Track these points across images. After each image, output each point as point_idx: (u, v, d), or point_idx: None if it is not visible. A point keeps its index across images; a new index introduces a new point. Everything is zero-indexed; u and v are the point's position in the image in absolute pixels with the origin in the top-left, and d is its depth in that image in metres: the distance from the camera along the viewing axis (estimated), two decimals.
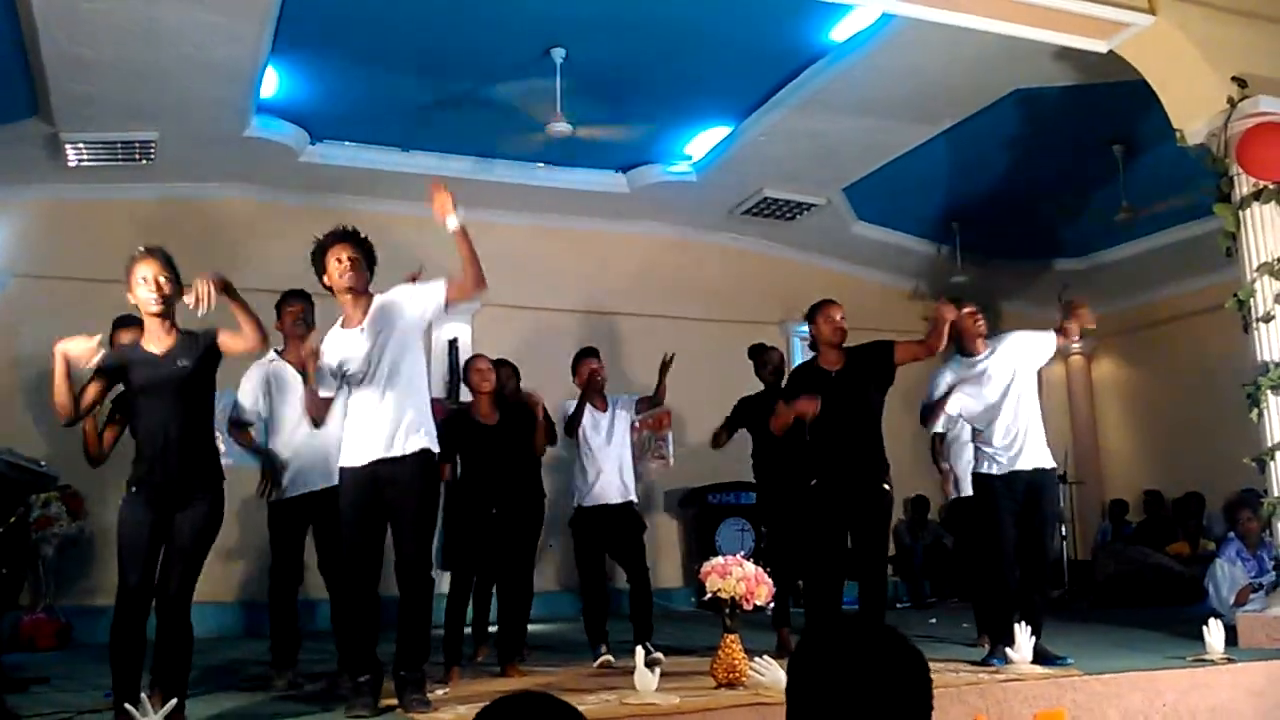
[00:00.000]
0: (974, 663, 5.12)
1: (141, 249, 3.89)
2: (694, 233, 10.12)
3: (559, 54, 6.96)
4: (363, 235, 4.31)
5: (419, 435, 4.13)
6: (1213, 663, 4.89)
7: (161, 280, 3.82)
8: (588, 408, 5.91)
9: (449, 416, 5.48)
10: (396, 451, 4.09)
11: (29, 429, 7.76)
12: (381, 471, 4.07)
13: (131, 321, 4.39)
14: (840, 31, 6.85)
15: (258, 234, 8.69)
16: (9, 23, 5.94)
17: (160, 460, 3.79)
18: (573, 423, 5.92)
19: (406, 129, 8.27)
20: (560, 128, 7.15)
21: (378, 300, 4.27)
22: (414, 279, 4.46)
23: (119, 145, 7.59)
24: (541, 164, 8.87)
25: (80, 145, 7.49)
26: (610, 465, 5.87)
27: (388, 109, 7.89)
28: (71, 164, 7.70)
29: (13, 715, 1.54)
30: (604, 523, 5.82)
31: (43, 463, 5.03)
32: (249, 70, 6.75)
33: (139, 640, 3.73)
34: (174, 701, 3.41)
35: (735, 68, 7.33)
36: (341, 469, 4.19)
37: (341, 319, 4.33)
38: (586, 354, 6.12)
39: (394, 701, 4.10)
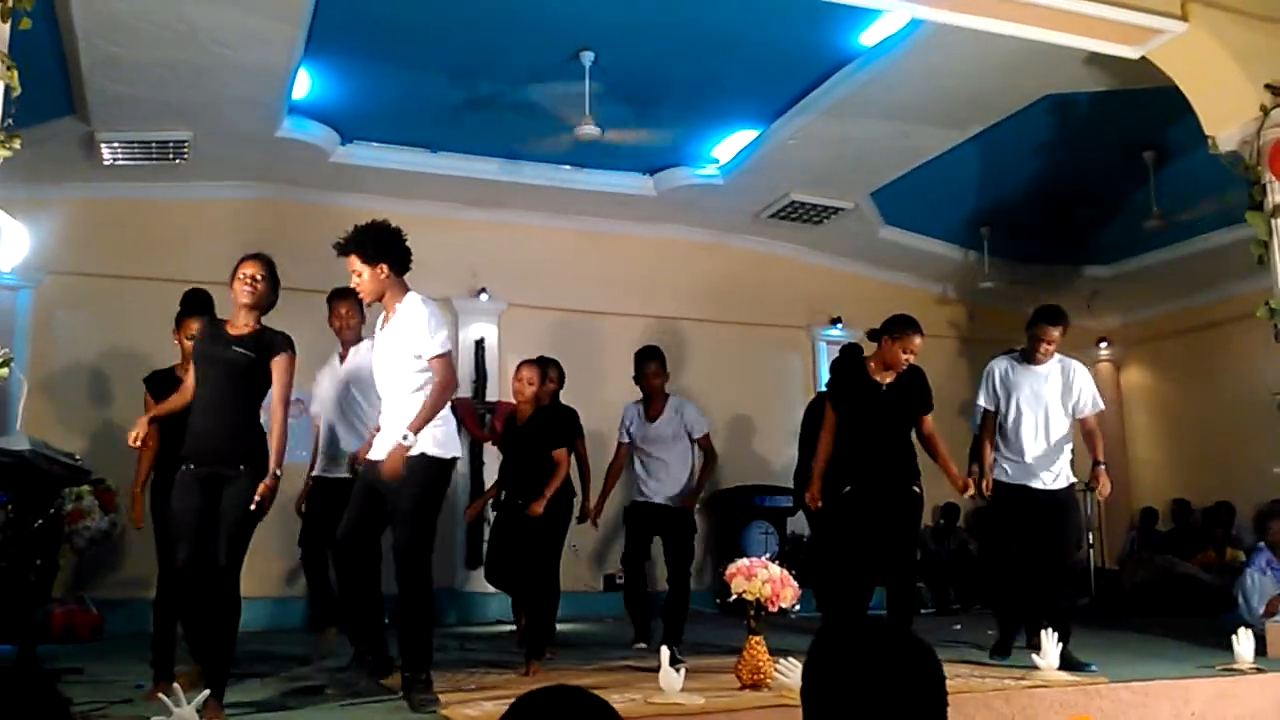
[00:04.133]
0: (987, 663, 5.21)
1: (252, 253, 4.35)
2: (720, 236, 10.13)
3: (588, 57, 6.99)
4: (350, 239, 4.38)
5: (418, 440, 4.16)
6: (1241, 672, 4.86)
7: (258, 278, 4.21)
8: (639, 417, 6.15)
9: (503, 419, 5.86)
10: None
11: (63, 422, 7.88)
12: (373, 469, 4.25)
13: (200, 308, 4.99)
14: (870, 36, 6.84)
15: (288, 233, 8.76)
16: (47, 22, 6.02)
17: (210, 434, 4.04)
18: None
19: (436, 130, 8.32)
20: (588, 130, 7.18)
21: (401, 311, 4.36)
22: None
23: (153, 144, 7.69)
24: (569, 166, 8.90)
25: (115, 144, 7.59)
26: (667, 470, 6.04)
27: (417, 110, 7.95)
28: (106, 162, 7.81)
29: (65, 700, 1.57)
30: (655, 519, 5.95)
31: (77, 456, 5.10)
32: (282, 71, 6.82)
33: (189, 617, 4.03)
34: (206, 692, 3.46)
35: (763, 71, 7.33)
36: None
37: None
38: (649, 355, 6.25)
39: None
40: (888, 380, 5.42)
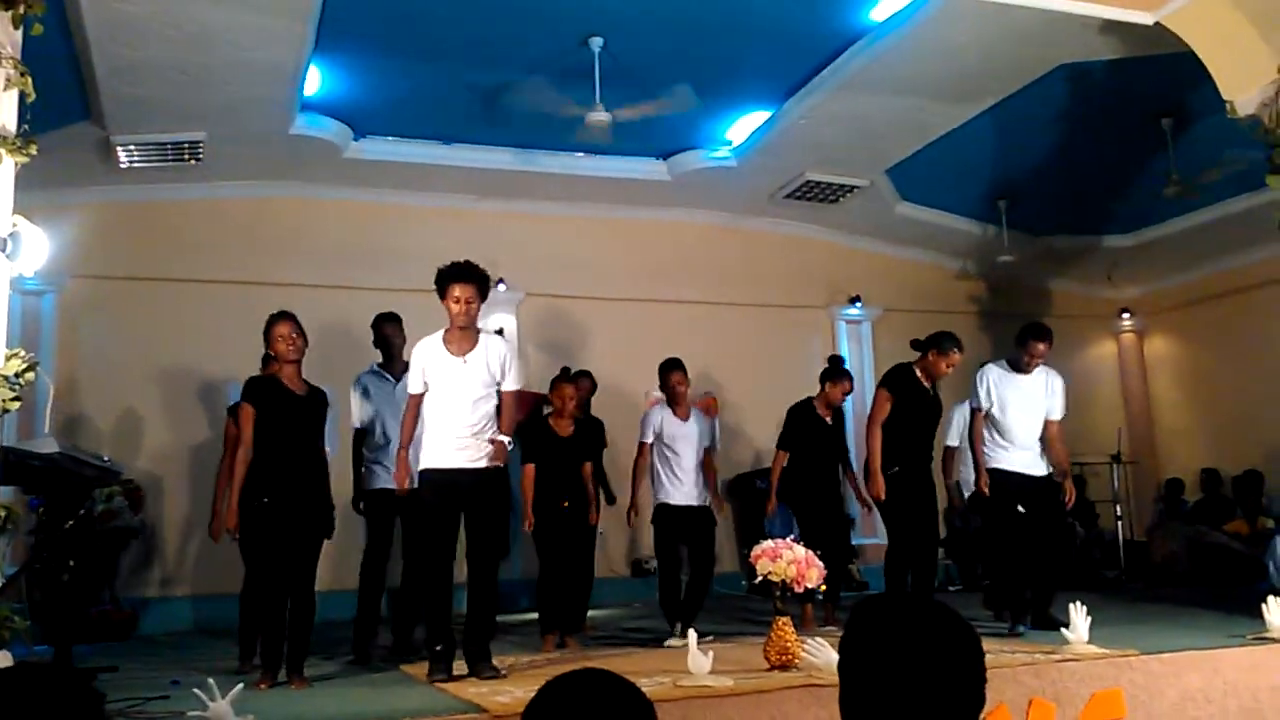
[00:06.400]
0: (1000, 634, 5.33)
1: (278, 311, 5.01)
2: (736, 218, 10.10)
3: (597, 43, 6.97)
4: (483, 272, 4.89)
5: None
6: (1273, 641, 4.81)
7: (295, 335, 4.93)
8: (669, 415, 6.41)
9: (529, 424, 6.38)
10: (483, 463, 4.79)
11: (90, 423, 7.97)
12: (464, 478, 4.75)
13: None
14: (880, 11, 6.79)
15: (304, 230, 8.84)
16: (60, 28, 6.05)
17: (291, 478, 4.81)
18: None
19: (448, 123, 8.33)
20: (599, 117, 7.16)
21: (484, 339, 4.93)
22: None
23: (168, 146, 7.74)
24: (582, 154, 8.88)
25: (131, 147, 7.64)
26: (688, 470, 6.34)
27: (429, 103, 7.96)
28: (123, 165, 7.86)
29: (99, 695, 1.61)
30: (681, 520, 6.30)
31: (106, 457, 5.16)
32: (292, 69, 6.84)
33: (284, 614, 4.76)
34: (239, 687, 3.51)
35: (774, 51, 7.29)
36: (429, 469, 4.79)
37: (444, 335, 4.90)
38: (672, 366, 6.52)
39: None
40: (929, 385, 6.22)
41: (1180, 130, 8.18)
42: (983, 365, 6.36)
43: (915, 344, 6.32)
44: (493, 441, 4.80)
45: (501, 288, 9.32)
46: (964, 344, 6.32)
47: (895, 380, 6.27)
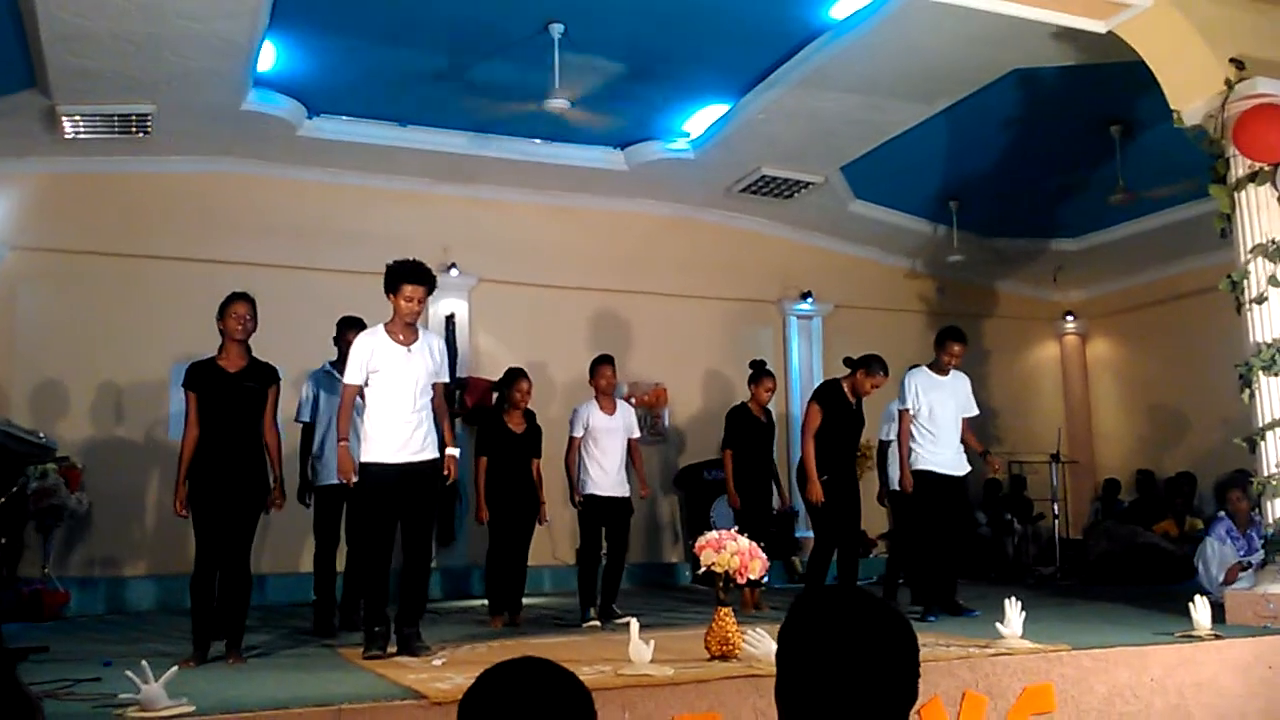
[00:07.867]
0: (953, 631, 5.23)
1: (238, 291, 5.08)
2: (692, 210, 10.12)
3: (557, 29, 6.94)
4: (432, 274, 5.05)
5: (434, 446, 5.00)
6: (1199, 639, 4.94)
7: (248, 317, 5.01)
8: (597, 410, 6.59)
9: (485, 419, 6.65)
10: (424, 456, 4.95)
11: (26, 401, 7.80)
12: (403, 473, 4.89)
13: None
14: (840, 9, 6.83)
15: (255, 208, 8.70)
16: None
17: (225, 454, 4.87)
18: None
19: (404, 104, 8.25)
20: (557, 103, 7.15)
21: (424, 335, 5.09)
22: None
23: (116, 118, 7.57)
24: (539, 140, 8.85)
25: (77, 118, 7.47)
26: (613, 462, 6.55)
27: (385, 83, 7.86)
28: (68, 136, 7.68)
29: (25, 688, 1.55)
30: (605, 510, 6.55)
31: (41, 434, 5.05)
32: (246, 43, 6.72)
33: (212, 591, 4.85)
34: (174, 669, 3.47)
35: (734, 44, 7.31)
36: (372, 463, 4.89)
37: (386, 328, 4.99)
38: (602, 361, 6.74)
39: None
40: (853, 400, 6.70)
41: (1128, 138, 8.34)
42: (910, 369, 6.72)
43: (848, 361, 6.74)
44: (446, 458, 5.03)
45: (454, 273, 9.26)
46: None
47: (825, 395, 6.72)
